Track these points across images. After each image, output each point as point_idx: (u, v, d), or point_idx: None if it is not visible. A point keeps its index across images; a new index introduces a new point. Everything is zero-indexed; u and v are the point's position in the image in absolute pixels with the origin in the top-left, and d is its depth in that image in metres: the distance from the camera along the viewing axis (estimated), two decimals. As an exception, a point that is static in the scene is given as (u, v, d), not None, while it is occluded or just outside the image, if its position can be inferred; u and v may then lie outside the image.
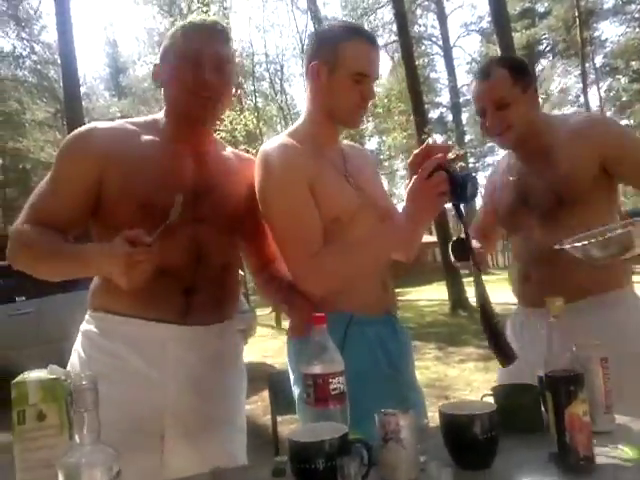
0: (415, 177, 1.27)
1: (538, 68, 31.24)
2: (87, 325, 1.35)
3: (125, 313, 1.28)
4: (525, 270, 1.69)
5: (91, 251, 1.22)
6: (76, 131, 1.37)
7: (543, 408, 1.09)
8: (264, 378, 1.86)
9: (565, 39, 26.51)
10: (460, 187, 1.24)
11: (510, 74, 1.60)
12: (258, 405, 4.73)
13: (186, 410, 1.29)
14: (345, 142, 1.54)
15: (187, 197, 1.27)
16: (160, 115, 1.44)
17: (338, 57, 1.35)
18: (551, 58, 30.42)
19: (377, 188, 1.53)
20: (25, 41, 23.64)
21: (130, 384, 1.25)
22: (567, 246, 1.35)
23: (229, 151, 1.53)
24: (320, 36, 1.45)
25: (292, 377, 1.39)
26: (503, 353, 1.25)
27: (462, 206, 1.30)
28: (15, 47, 23.78)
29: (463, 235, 1.36)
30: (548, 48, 30.58)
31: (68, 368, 1.31)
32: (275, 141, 1.38)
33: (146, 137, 1.36)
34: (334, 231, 1.33)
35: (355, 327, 1.33)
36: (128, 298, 1.24)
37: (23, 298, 6.52)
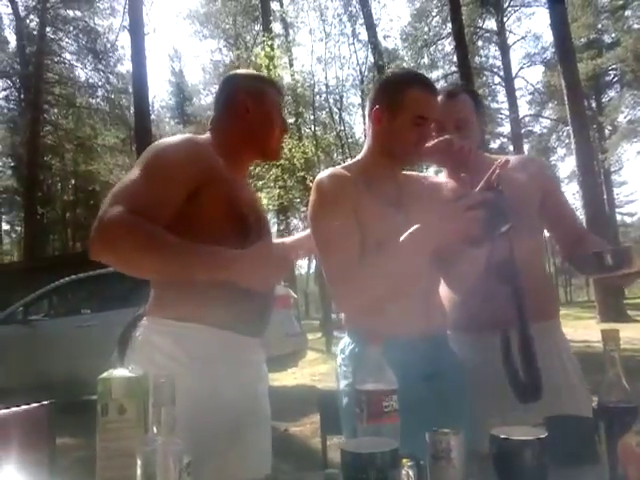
0: (456, 202, 1.32)
1: (605, 99, 30.40)
2: (171, 333, 1.34)
3: (220, 325, 1.35)
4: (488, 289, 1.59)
5: (236, 255, 1.25)
6: (183, 137, 1.42)
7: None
8: (313, 401, 1.90)
9: (634, 70, 25.70)
10: (494, 227, 1.28)
11: (472, 102, 1.69)
12: (307, 427, 4.75)
13: (257, 410, 1.46)
14: (407, 174, 1.61)
15: (254, 223, 1.45)
16: (210, 138, 1.50)
17: (401, 102, 1.45)
18: (619, 89, 29.52)
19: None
20: (101, 72, 25.23)
21: (218, 390, 1.33)
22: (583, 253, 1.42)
23: None
24: (384, 83, 1.54)
25: (342, 387, 1.47)
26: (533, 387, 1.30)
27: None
28: (91, 77, 25.41)
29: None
30: (615, 79, 29.73)
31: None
32: (328, 171, 1.52)
33: (219, 160, 1.44)
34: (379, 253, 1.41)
35: (394, 352, 1.29)
36: (221, 313, 1.33)
37: (88, 311, 6.88)
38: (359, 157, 1.58)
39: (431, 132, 1.50)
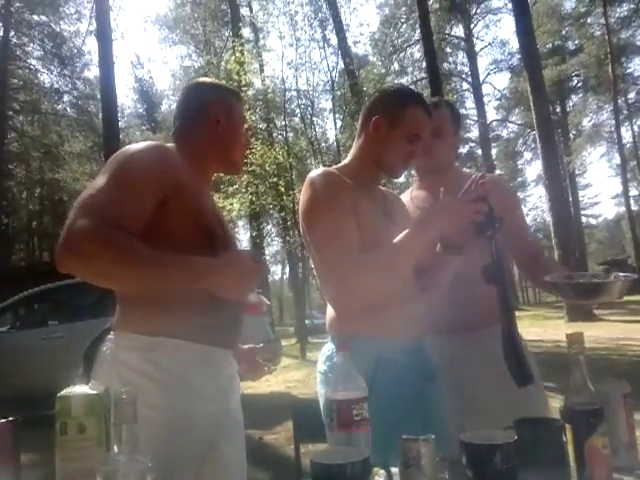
0: (457, 195, 1.38)
1: (569, 104, 31.18)
2: (140, 348, 1.28)
3: (191, 338, 1.30)
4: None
5: (212, 264, 1.25)
6: (151, 144, 1.38)
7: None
8: (288, 408, 1.88)
9: (597, 75, 26.43)
10: (489, 226, 1.35)
11: (451, 113, 1.81)
12: (281, 435, 4.71)
13: (230, 421, 1.42)
14: (381, 188, 1.67)
15: (220, 232, 1.41)
16: (174, 147, 1.47)
17: (401, 116, 1.51)
18: (582, 94, 30.31)
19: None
20: (67, 77, 24.78)
21: (193, 404, 1.28)
22: (558, 281, 1.43)
23: None
24: (386, 94, 1.60)
25: (321, 406, 1.45)
26: (523, 373, 1.32)
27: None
28: (57, 83, 24.93)
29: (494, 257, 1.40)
30: (579, 84, 30.54)
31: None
32: (320, 169, 1.53)
33: (186, 169, 1.40)
34: None
35: (387, 356, 1.39)
36: (192, 326, 1.29)
37: (56, 322, 6.72)
38: (346, 162, 1.60)
39: (420, 150, 1.55)
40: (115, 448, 0.72)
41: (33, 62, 24.85)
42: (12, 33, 23.11)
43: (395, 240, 1.40)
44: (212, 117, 1.47)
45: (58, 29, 24.27)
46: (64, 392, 0.86)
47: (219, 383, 1.38)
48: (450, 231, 1.40)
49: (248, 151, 13.33)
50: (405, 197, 1.87)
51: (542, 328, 11.28)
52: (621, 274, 1.40)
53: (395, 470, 0.95)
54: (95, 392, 0.86)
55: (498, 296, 1.39)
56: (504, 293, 1.39)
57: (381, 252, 1.39)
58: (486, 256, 1.40)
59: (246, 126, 1.59)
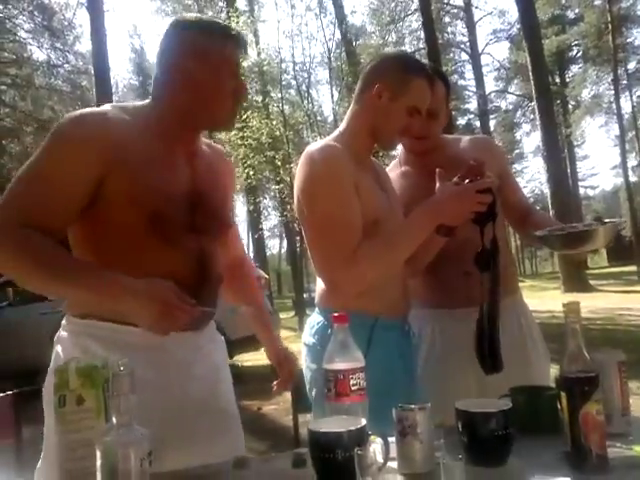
0: (464, 182, 1.38)
1: (569, 74, 30.81)
2: (78, 332, 1.23)
3: (128, 322, 1.14)
4: (465, 267, 1.59)
5: (123, 284, 1.08)
6: (74, 117, 1.18)
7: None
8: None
9: (597, 45, 26.04)
10: (490, 214, 1.38)
11: (445, 89, 1.71)
12: (280, 406, 4.78)
13: (191, 410, 1.24)
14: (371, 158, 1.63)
15: (185, 206, 1.24)
16: (146, 106, 1.29)
17: (405, 87, 1.45)
18: (582, 64, 29.94)
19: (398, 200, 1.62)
20: (59, 51, 24.33)
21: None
22: (542, 233, 1.43)
23: (205, 144, 1.42)
24: (390, 62, 1.51)
25: (307, 378, 1.48)
26: (493, 361, 1.37)
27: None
28: (49, 57, 24.48)
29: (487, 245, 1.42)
30: (579, 54, 30.12)
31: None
32: (320, 143, 1.47)
33: (142, 134, 1.22)
34: (373, 233, 1.39)
35: (379, 331, 1.40)
36: None
37: (55, 297, 6.67)
38: (341, 130, 1.52)
39: (418, 125, 1.51)
40: (113, 419, 0.73)
41: (23, 35, 24.37)
42: (0, 6, 22.60)
43: (398, 227, 1.42)
44: (180, 64, 1.23)
45: (47, 1, 23.73)
46: (62, 365, 0.87)
47: (165, 370, 1.22)
48: (454, 221, 1.40)
49: (244, 124, 13.22)
50: (393, 171, 1.81)
51: (539, 299, 11.38)
52: (607, 220, 1.40)
53: (391, 439, 0.96)
54: (93, 364, 0.87)
55: (489, 282, 1.41)
56: (495, 280, 1.41)
57: (383, 239, 1.38)
58: (479, 242, 1.42)
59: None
